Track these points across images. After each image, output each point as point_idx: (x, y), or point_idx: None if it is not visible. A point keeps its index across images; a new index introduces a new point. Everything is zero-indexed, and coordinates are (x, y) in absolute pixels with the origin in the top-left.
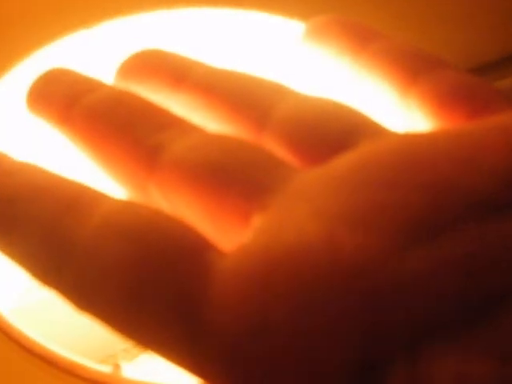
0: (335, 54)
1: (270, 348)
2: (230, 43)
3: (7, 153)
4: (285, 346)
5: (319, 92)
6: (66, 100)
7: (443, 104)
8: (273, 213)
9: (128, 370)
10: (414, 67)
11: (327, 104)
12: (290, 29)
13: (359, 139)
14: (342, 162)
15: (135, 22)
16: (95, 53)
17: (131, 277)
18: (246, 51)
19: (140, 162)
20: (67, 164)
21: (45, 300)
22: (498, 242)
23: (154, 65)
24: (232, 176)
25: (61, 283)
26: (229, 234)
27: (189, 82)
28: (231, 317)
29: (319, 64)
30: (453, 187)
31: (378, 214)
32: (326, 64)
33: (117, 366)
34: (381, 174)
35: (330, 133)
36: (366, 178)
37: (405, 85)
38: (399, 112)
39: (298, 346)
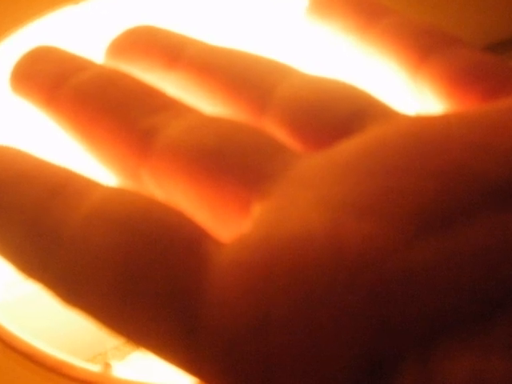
0: (341, 31)
1: (272, 345)
2: (228, 19)
3: None
4: (287, 343)
5: (324, 72)
6: (52, 80)
7: (456, 84)
8: (274, 201)
9: (119, 369)
10: (425, 45)
11: (332, 84)
12: (293, 4)
13: (366, 122)
14: (348, 147)
15: None
16: (83, 30)
17: (123, 269)
18: (246, 28)
19: (132, 147)
20: (54, 149)
21: (30, 294)
22: None
23: (146, 42)
24: (230, 161)
25: (47, 276)
26: (227, 224)
27: (184, 60)
28: (230, 312)
29: (324, 42)
30: (467, 174)
31: (386, 201)
32: (331, 42)
33: (107, 365)
34: (390, 160)
35: (335, 115)
36: (373, 163)
37: (415, 63)
38: (409, 93)
39: (302, 343)
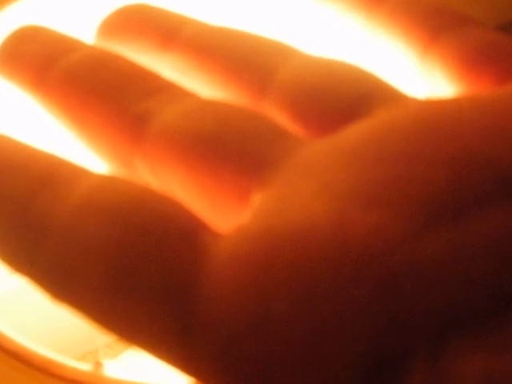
0: (346, 10)
1: (272, 343)
2: None
3: None
4: (289, 341)
5: (328, 53)
6: (40, 62)
7: (468, 66)
8: (275, 190)
9: (111, 368)
10: (435, 24)
11: (337, 66)
12: None
13: (374, 106)
14: (354, 132)
15: None
16: (73, 9)
17: (115, 262)
18: (246, 7)
19: (124, 133)
20: (42, 135)
21: (17, 289)
22: None
23: (139, 22)
24: (229, 148)
25: (34, 269)
26: (225, 214)
27: (179, 41)
28: (228, 307)
29: (328, 21)
30: (479, 161)
31: (394, 190)
32: (336, 21)
33: (98, 364)
34: (398, 146)
35: (340, 99)
36: (381, 150)
37: (425, 44)
38: (419, 75)
39: (304, 340)
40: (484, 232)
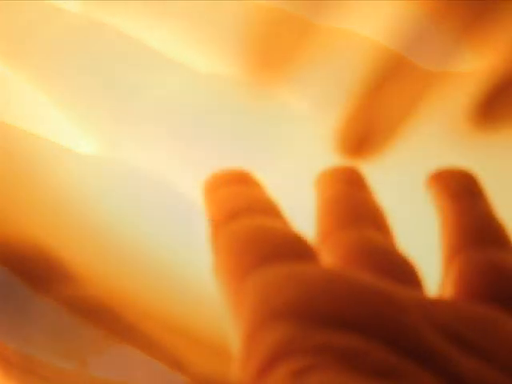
0: None
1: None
2: None
3: None
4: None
5: None
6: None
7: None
8: None
9: (97, 366)
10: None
11: None
12: None
13: None
14: None
15: None
16: None
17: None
18: None
19: None
20: (23, 113)
21: None
22: None
23: None
24: None
25: (12, 259)
26: None
27: None
28: None
29: None
30: None
31: None
32: None
33: (83, 362)
34: None
35: None
36: None
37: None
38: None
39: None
40: None
